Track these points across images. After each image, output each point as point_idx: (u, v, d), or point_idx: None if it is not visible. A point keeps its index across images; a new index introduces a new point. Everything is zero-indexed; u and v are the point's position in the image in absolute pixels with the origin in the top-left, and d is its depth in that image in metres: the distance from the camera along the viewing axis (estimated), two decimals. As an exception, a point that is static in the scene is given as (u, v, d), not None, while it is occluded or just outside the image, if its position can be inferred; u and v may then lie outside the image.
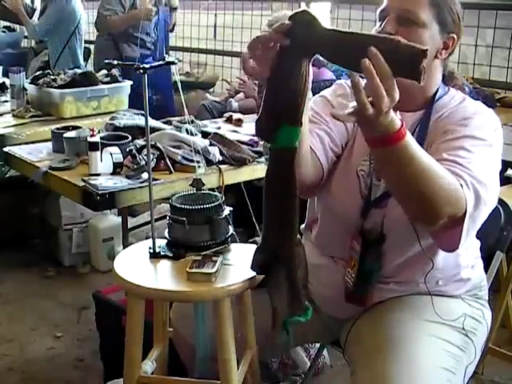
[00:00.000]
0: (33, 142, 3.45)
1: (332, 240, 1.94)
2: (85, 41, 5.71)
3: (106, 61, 1.80)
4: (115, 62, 1.87)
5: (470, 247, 1.92)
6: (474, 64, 4.38)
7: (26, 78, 4.08)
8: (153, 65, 1.75)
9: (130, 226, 3.68)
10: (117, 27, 5.03)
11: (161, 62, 1.81)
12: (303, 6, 5.23)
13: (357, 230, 1.86)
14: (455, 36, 1.78)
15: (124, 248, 2.91)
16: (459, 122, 1.74)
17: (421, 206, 1.52)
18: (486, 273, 2.12)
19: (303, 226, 2.10)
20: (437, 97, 1.81)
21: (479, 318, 1.90)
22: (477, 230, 1.70)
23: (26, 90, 4.00)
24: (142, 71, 1.70)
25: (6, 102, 4.24)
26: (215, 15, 5.69)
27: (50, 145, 3.12)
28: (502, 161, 4.05)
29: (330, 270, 1.93)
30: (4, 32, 8.21)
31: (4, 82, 4.61)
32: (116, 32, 5.08)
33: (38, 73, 4.14)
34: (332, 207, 1.88)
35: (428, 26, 1.73)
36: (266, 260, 1.55)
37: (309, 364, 2.77)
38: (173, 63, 1.77)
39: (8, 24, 8.78)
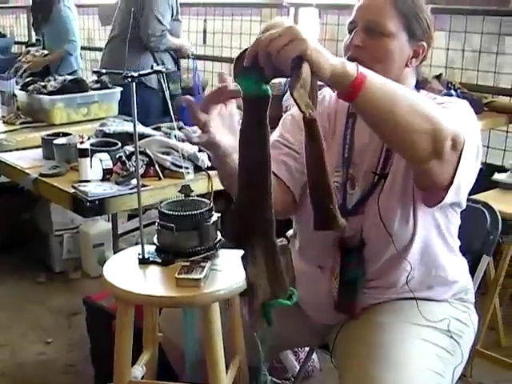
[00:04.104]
0: (23, 149, 3.45)
1: (314, 251, 1.95)
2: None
3: (95, 69, 1.81)
4: (103, 71, 1.88)
5: (451, 247, 1.94)
6: (462, 69, 4.41)
7: (16, 84, 4.09)
8: (141, 73, 1.77)
9: (120, 231, 3.70)
10: (164, 47, 4.46)
11: (149, 70, 1.82)
12: (291, 12, 5.26)
13: (336, 240, 1.87)
14: (425, 44, 1.79)
15: (115, 253, 2.92)
16: None
17: (425, 132, 1.46)
18: (473, 276, 2.15)
19: (291, 232, 2.11)
20: None
21: (465, 320, 1.93)
22: (467, 190, 1.71)
23: (16, 96, 4.01)
24: (130, 79, 1.72)
25: (-4, 108, 4.25)
26: (205, 21, 5.70)
27: (40, 151, 3.12)
28: (489, 164, 4.08)
29: (317, 278, 1.94)
30: (-6, 38, 8.23)
31: (-6, 89, 4.62)
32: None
33: (28, 79, 4.16)
34: (309, 220, 1.88)
35: (396, 35, 1.74)
36: (240, 225, 1.37)
37: (298, 368, 2.79)
38: (160, 72, 1.79)
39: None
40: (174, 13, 4.42)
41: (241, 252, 1.37)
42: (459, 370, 1.87)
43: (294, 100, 1.27)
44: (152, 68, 1.81)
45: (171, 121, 2.90)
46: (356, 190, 1.86)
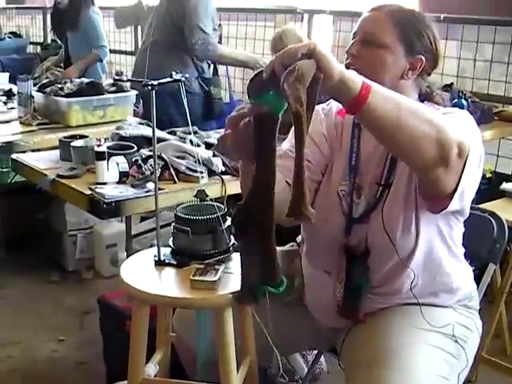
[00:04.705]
0: (39, 150, 3.51)
1: (321, 257, 2.00)
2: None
3: (116, 77, 1.87)
4: (125, 78, 1.93)
5: (455, 254, 1.98)
6: (473, 78, 4.45)
7: (34, 86, 4.15)
8: (160, 81, 1.82)
9: (133, 232, 3.75)
10: (210, 53, 4.25)
11: (168, 79, 1.88)
12: (305, 19, 5.31)
13: (341, 246, 1.92)
14: (423, 58, 1.84)
15: (127, 254, 2.97)
16: None
17: (431, 140, 1.51)
18: (479, 284, 2.19)
19: (300, 237, 2.16)
20: None
21: (470, 326, 1.96)
22: (470, 198, 1.76)
23: (33, 97, 4.06)
24: (150, 88, 1.77)
25: (13, 108, 4.30)
26: (220, 25, 5.75)
27: (57, 152, 3.16)
28: (499, 173, 4.12)
29: (324, 283, 1.98)
30: (10, 38, 8.28)
31: (11, 89, 4.67)
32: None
33: (45, 81, 4.22)
34: (316, 227, 1.90)
35: (391, 47, 1.81)
36: (243, 215, 1.48)
37: (306, 370, 2.83)
38: (179, 81, 1.84)
39: (14, 30, 8.89)
40: (215, 22, 4.39)
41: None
42: (464, 375, 1.91)
43: (284, 91, 1.32)
44: (171, 76, 1.86)
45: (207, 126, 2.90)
46: (362, 199, 1.91)
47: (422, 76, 1.89)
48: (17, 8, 9.09)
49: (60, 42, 5.98)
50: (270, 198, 1.43)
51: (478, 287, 2.15)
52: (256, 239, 1.47)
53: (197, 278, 1.81)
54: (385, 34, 1.82)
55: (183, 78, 1.83)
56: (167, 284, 1.90)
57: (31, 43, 8.55)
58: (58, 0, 5.48)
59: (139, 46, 6.62)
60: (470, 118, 1.78)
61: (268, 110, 1.39)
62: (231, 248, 1.96)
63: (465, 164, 1.61)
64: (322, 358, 2.89)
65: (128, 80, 2.22)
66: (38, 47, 8.17)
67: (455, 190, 1.65)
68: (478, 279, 2.20)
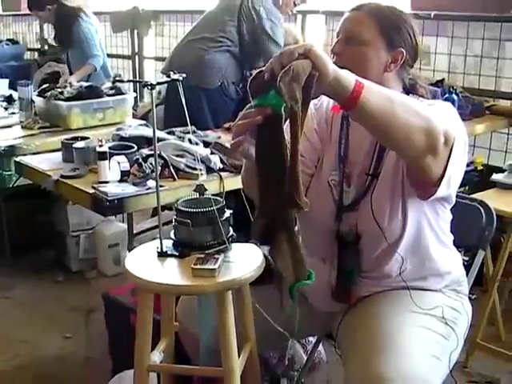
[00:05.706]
0: (39, 153, 3.58)
1: (315, 245, 2.09)
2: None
3: (117, 78, 1.93)
4: (125, 80, 2.00)
5: (442, 241, 2.06)
6: (464, 73, 4.53)
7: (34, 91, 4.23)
8: (159, 81, 1.90)
9: (134, 231, 3.84)
10: None
11: (166, 79, 1.96)
12: (299, 19, 5.40)
13: (333, 233, 2.02)
14: (403, 50, 1.93)
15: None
16: None
17: (421, 130, 1.62)
18: (470, 271, 2.27)
19: (297, 227, 2.24)
20: None
21: (459, 308, 2.04)
22: (456, 185, 1.86)
23: (34, 102, 4.14)
24: (149, 87, 1.85)
25: (14, 113, 4.38)
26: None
27: (58, 155, 3.24)
28: (490, 166, 4.19)
29: (319, 269, 2.02)
30: (7, 44, 8.34)
31: (11, 95, 4.75)
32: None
33: (45, 85, 4.29)
34: (309, 216, 1.94)
35: (371, 43, 1.91)
36: (265, 226, 1.56)
37: (305, 359, 2.89)
38: (177, 80, 1.92)
39: (11, 37, 8.95)
40: None
41: (265, 248, 1.58)
42: (455, 355, 1.98)
43: (280, 90, 1.41)
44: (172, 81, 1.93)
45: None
46: (352, 187, 2.00)
47: (404, 68, 1.98)
48: (13, 15, 9.14)
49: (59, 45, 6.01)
50: (291, 195, 1.49)
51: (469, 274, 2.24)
52: (283, 241, 1.55)
53: (198, 266, 1.88)
54: (365, 31, 1.91)
55: (181, 78, 1.91)
56: (170, 273, 1.96)
57: (28, 49, 8.60)
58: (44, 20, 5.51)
59: (136, 50, 6.75)
60: (453, 108, 1.88)
61: (272, 110, 1.48)
62: (230, 239, 2.04)
63: (451, 152, 1.71)
64: (321, 348, 2.96)
65: (128, 80, 2.29)
66: (36, 53, 8.23)
67: (442, 176, 1.74)
68: (470, 268, 2.29)
